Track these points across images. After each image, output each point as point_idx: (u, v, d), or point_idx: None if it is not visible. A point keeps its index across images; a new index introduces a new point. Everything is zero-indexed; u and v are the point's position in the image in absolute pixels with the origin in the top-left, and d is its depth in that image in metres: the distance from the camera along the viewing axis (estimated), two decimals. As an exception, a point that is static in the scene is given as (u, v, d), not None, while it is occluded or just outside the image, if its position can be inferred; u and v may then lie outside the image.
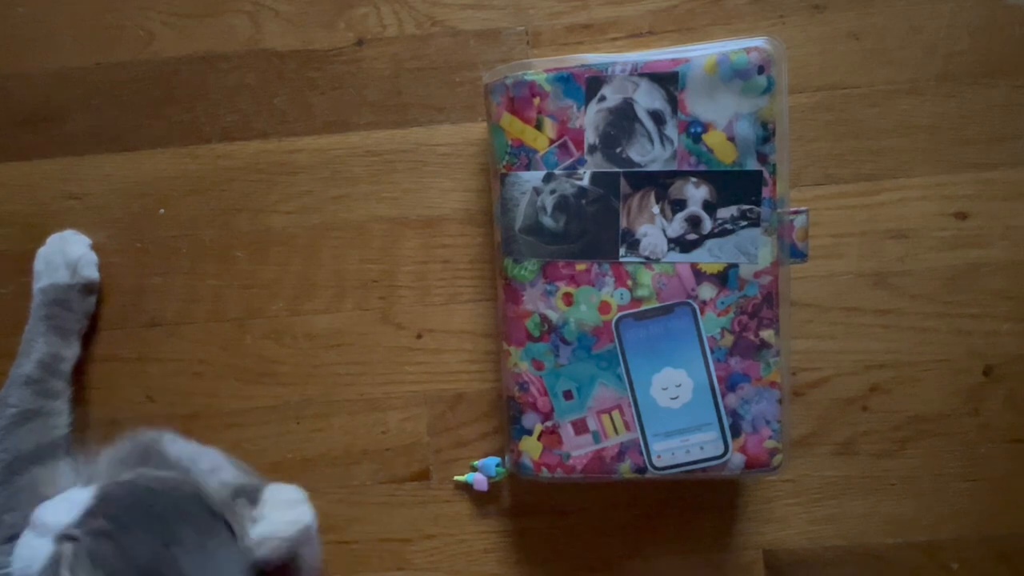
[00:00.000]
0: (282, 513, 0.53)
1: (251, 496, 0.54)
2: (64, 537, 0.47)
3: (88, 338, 0.68)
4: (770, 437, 0.60)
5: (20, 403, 0.61)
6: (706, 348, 0.60)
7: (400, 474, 0.69)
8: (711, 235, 0.59)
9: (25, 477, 0.57)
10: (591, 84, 0.59)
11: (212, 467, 0.57)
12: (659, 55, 0.59)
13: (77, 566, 0.44)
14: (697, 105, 0.58)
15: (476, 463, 0.68)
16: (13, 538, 0.54)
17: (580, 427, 0.61)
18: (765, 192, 0.59)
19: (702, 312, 0.60)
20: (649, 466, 0.61)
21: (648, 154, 0.59)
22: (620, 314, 0.60)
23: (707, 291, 0.60)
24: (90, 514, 0.48)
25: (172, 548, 0.47)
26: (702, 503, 0.68)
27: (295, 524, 0.53)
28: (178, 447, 0.57)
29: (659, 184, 0.59)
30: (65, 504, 0.49)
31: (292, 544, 0.53)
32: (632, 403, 0.60)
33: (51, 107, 0.69)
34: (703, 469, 0.61)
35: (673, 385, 0.60)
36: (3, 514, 0.55)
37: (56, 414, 0.63)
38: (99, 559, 0.45)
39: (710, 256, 0.59)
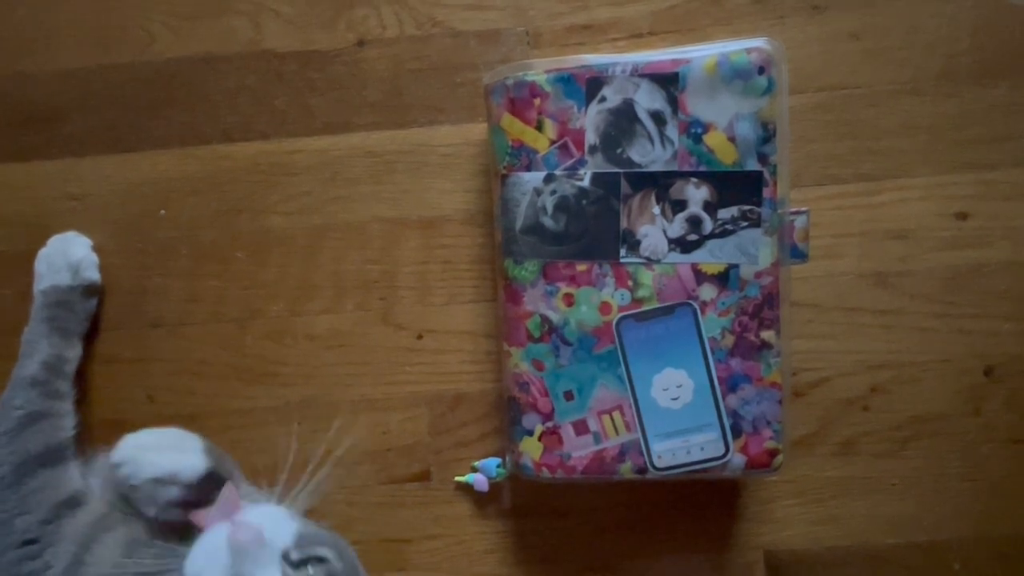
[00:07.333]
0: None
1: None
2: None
3: (89, 339, 0.68)
4: (771, 438, 0.60)
5: (27, 404, 0.60)
6: (707, 349, 0.60)
7: (401, 475, 0.69)
8: (712, 236, 0.59)
9: (35, 480, 0.56)
10: (591, 85, 0.59)
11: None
12: (659, 56, 0.59)
13: None
14: (697, 106, 0.58)
15: (477, 464, 0.68)
16: (28, 542, 0.54)
17: (581, 428, 0.61)
18: (766, 192, 0.59)
19: (703, 313, 0.60)
20: (650, 466, 0.61)
21: (649, 155, 0.59)
22: (621, 315, 0.60)
23: (708, 292, 0.60)
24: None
25: None
26: (703, 503, 0.68)
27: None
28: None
29: (660, 185, 0.59)
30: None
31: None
32: (633, 404, 0.60)
33: (51, 107, 0.69)
34: (704, 470, 0.61)
35: (674, 386, 0.60)
36: (15, 518, 0.54)
37: (62, 415, 0.62)
38: None
39: (711, 257, 0.59)
